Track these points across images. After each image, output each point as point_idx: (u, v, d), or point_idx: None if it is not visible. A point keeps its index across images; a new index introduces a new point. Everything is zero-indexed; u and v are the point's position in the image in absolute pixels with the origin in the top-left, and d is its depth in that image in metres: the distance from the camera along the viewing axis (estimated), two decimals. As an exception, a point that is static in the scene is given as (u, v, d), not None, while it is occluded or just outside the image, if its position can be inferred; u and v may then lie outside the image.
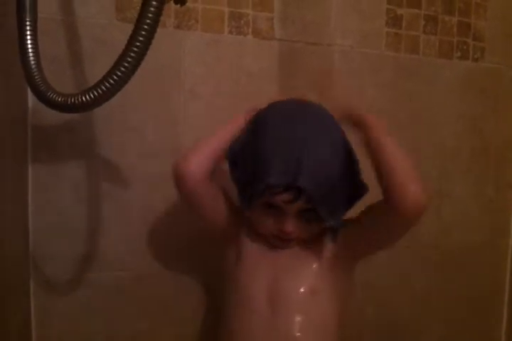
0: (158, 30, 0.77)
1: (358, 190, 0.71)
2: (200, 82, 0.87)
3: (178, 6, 0.59)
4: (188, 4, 0.83)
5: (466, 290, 1.10)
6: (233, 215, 0.76)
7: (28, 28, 0.58)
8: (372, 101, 0.97)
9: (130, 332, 0.86)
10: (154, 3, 0.50)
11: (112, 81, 0.49)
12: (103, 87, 0.50)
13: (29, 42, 0.58)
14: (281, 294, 0.72)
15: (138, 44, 0.48)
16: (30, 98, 0.76)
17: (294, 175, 0.65)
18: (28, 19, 0.58)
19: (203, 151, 0.71)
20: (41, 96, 0.56)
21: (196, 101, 0.87)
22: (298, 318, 0.71)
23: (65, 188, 0.80)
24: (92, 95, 0.50)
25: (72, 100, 0.52)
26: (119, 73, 0.49)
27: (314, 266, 0.74)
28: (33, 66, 0.58)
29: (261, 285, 0.73)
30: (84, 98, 0.51)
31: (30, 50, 0.58)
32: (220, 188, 0.74)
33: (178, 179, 0.70)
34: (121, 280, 0.85)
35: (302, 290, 0.73)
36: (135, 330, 0.86)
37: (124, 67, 0.49)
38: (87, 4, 0.79)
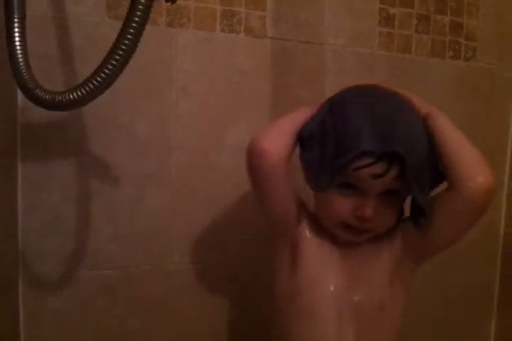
0: (150, 27, 0.76)
1: (437, 176, 0.66)
2: (193, 80, 0.86)
3: (169, 3, 0.59)
4: (180, 2, 0.83)
5: (455, 288, 1.10)
6: (296, 206, 0.70)
7: (16, 25, 0.58)
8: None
9: (121, 331, 0.86)
10: (143, 0, 0.50)
11: (99, 79, 0.49)
12: (91, 85, 0.50)
13: (17, 39, 0.58)
14: (351, 305, 0.67)
15: (126, 42, 0.48)
16: (20, 95, 0.75)
17: (389, 141, 0.60)
18: (16, 16, 0.58)
19: (285, 128, 0.66)
20: (29, 94, 0.56)
21: (188, 99, 0.86)
22: (366, 334, 0.67)
23: (55, 186, 0.80)
24: (79, 93, 0.50)
25: (60, 98, 0.51)
26: (106, 71, 0.49)
27: (385, 274, 0.69)
28: (21, 63, 0.57)
29: (326, 291, 0.67)
30: (72, 96, 0.51)
31: (18, 47, 0.57)
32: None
33: (260, 156, 0.63)
34: (112, 279, 0.84)
35: (374, 303, 0.68)
36: (126, 329, 0.86)
37: (112, 64, 0.49)
38: (78, 2, 0.79)
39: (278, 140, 0.64)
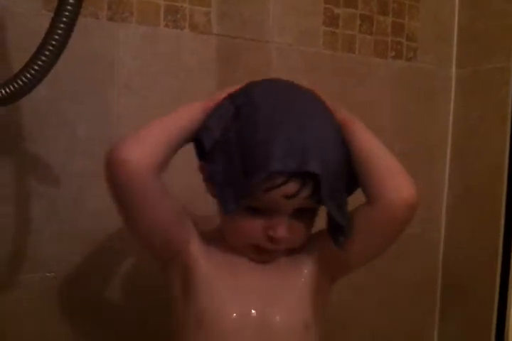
0: (91, 21, 0.74)
1: (351, 184, 0.62)
2: (135, 76, 0.85)
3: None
4: (122, -4, 0.81)
5: (400, 280, 1.14)
6: (181, 224, 0.61)
7: None
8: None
9: (64, 335, 0.83)
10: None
11: (29, 74, 0.47)
12: (21, 81, 0.48)
13: None
14: (270, 328, 0.60)
15: (56, 36, 0.47)
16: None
17: (301, 158, 0.54)
18: None
19: (155, 133, 0.57)
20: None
21: (131, 96, 0.84)
22: None
23: (-10, 186, 0.76)
24: (8, 89, 0.48)
25: (-11, 93, 0.49)
26: (36, 66, 0.47)
27: (306, 291, 0.62)
28: None
29: (240, 317, 0.59)
30: (3, 91, 0.49)
31: None
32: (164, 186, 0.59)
33: (117, 167, 0.54)
34: (53, 282, 0.81)
35: (297, 324, 0.61)
36: (68, 331, 0.83)
37: (43, 58, 0.47)
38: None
39: (142, 147, 0.55)
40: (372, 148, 0.61)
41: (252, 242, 0.60)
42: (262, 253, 0.61)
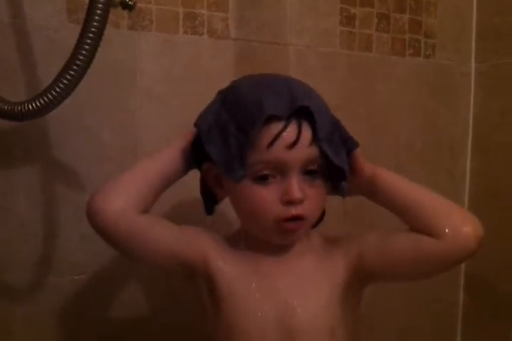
0: (112, 31, 0.76)
1: (348, 142, 0.62)
2: (157, 83, 0.86)
3: (127, 10, 0.59)
4: (141, 5, 0.83)
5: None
6: (187, 243, 0.62)
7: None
8: (328, 98, 0.98)
9: (92, 335, 0.86)
10: (100, 5, 0.50)
11: (61, 85, 0.49)
12: (52, 94, 0.50)
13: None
14: (296, 333, 0.60)
15: (86, 46, 0.48)
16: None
17: (291, 99, 0.56)
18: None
19: (128, 178, 0.61)
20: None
21: (153, 102, 0.86)
22: None
23: (20, 194, 0.79)
24: (39, 102, 0.50)
25: (19, 108, 0.51)
26: (67, 78, 0.49)
27: (330, 293, 0.62)
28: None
29: (264, 320, 0.60)
30: (31, 106, 0.51)
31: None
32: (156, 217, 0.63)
33: (95, 215, 0.58)
34: (83, 284, 0.84)
35: (323, 329, 0.61)
36: (96, 333, 0.86)
37: (72, 71, 0.49)
38: (38, 6, 0.77)
39: (116, 193, 0.58)
40: (418, 192, 0.62)
41: (272, 216, 0.58)
42: (285, 234, 0.60)
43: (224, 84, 0.91)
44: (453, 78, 1.15)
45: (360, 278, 0.64)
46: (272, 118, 0.55)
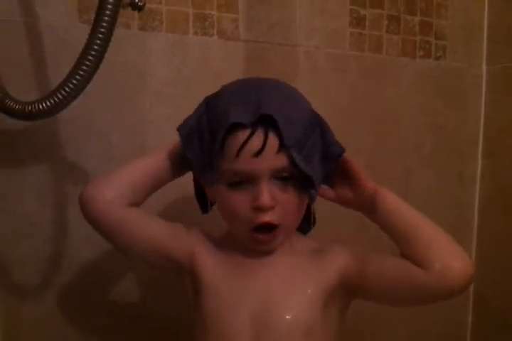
0: (122, 31, 0.76)
1: (331, 148, 0.62)
2: (166, 84, 0.87)
3: (137, 11, 0.59)
4: (152, 6, 0.83)
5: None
6: (176, 239, 0.65)
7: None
8: (337, 100, 0.99)
9: (101, 333, 0.86)
10: (109, 6, 0.50)
11: (71, 85, 0.49)
12: (61, 94, 0.50)
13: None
14: (270, 332, 0.60)
15: (95, 47, 0.49)
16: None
17: (256, 107, 0.56)
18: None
19: (121, 173, 0.64)
20: (-2, 105, 0.55)
21: (163, 103, 0.86)
22: None
23: (29, 193, 0.79)
24: (50, 102, 0.50)
25: (30, 108, 0.51)
26: (77, 77, 0.49)
27: (310, 297, 0.62)
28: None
29: (241, 317, 0.61)
30: (42, 105, 0.51)
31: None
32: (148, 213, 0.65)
33: (86, 203, 0.61)
34: (90, 284, 0.84)
35: (296, 329, 0.60)
36: (104, 331, 0.86)
37: (81, 71, 0.49)
38: (48, 6, 0.78)
39: (108, 184, 0.62)
40: (417, 218, 0.62)
41: (244, 222, 0.60)
42: (259, 244, 0.62)
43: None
44: (464, 80, 1.14)
45: (346, 289, 0.64)
46: (237, 127, 0.56)
